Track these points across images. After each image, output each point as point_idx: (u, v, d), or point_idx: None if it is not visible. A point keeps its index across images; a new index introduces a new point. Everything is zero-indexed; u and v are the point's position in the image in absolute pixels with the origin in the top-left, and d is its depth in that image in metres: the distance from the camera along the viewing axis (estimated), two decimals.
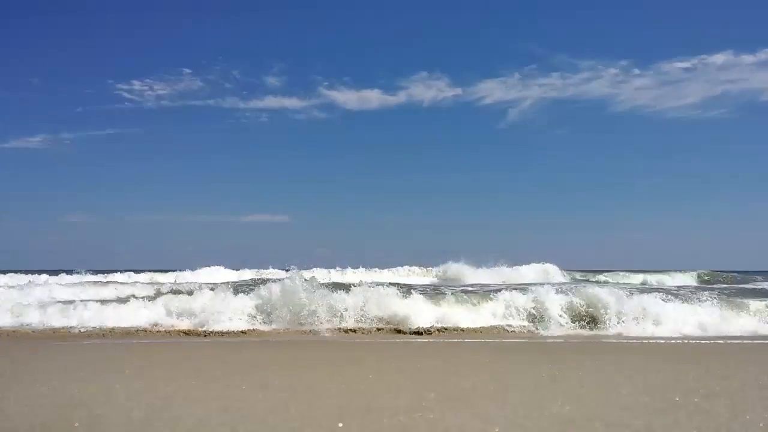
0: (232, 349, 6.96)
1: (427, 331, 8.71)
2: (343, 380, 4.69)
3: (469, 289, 12.68)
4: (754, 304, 10.13)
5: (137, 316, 9.50)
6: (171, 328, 9.06)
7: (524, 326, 9.25)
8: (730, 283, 23.90)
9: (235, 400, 3.93)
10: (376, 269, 30.62)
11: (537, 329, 9.07)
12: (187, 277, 25.10)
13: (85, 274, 22.16)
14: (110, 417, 3.51)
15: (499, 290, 10.69)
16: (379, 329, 9.03)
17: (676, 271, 31.21)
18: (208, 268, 28.31)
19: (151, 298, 10.46)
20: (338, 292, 9.82)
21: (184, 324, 9.34)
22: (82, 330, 8.78)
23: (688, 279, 29.84)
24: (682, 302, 9.92)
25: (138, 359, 5.99)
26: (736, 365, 5.59)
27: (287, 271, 10.67)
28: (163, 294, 11.17)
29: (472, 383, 4.51)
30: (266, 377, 4.82)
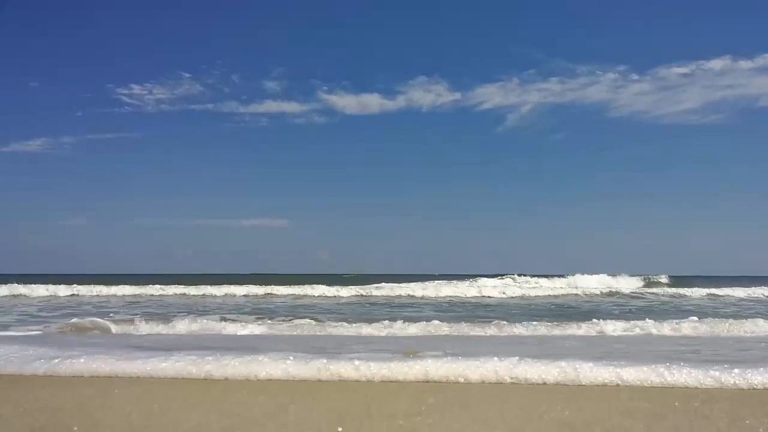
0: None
1: None
2: (342, 384, 4.68)
3: None
4: None
5: None
6: None
7: None
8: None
9: (233, 404, 3.92)
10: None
11: None
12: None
13: None
14: (109, 421, 3.51)
15: None
16: None
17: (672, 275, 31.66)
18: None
19: None
20: None
21: None
22: None
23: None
24: None
25: None
26: None
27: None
28: None
29: (471, 388, 4.50)
30: (265, 381, 4.80)
